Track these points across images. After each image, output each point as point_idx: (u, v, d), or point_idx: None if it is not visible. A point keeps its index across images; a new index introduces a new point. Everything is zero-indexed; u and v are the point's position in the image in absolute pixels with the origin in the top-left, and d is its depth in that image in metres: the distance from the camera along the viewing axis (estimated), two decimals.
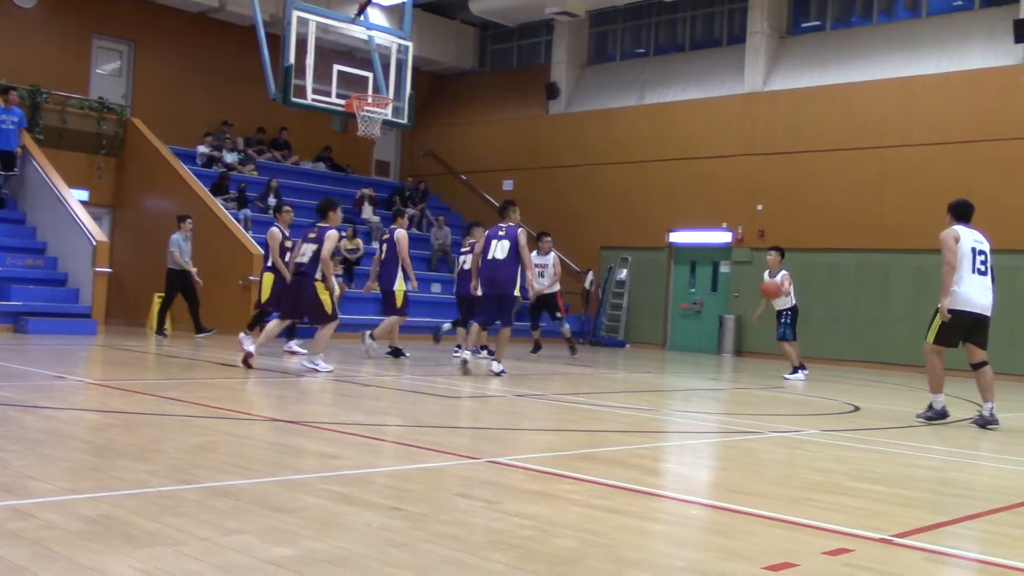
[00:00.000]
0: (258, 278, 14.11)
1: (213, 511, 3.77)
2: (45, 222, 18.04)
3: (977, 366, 8.49)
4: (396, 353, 13.36)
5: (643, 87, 23.35)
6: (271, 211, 20.82)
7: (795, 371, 13.90)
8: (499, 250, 11.27)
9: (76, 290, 16.84)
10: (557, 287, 15.86)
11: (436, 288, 22.01)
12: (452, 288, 15.60)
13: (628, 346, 22.02)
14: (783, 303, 13.95)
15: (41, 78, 19.84)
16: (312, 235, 10.68)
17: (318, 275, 10.45)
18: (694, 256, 22.15)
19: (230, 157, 21.98)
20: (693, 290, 22.15)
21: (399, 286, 12.96)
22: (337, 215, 11.01)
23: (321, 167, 24.47)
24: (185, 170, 19.68)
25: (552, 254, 16.08)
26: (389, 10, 22.18)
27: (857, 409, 9.87)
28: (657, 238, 22.34)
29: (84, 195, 19.47)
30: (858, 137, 19.52)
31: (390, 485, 4.56)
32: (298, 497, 4.12)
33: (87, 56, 21.78)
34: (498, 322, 11.55)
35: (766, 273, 14.24)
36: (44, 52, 20.82)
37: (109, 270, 17.00)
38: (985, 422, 8.33)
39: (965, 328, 8.39)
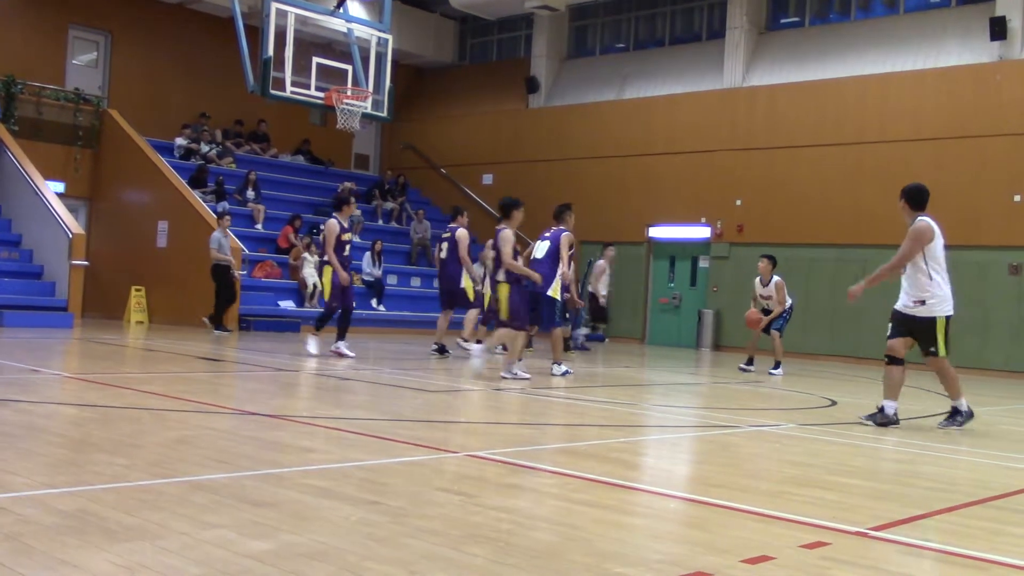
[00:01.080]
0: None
1: (191, 505, 3.76)
2: (21, 214, 17.90)
3: (900, 361, 7.84)
4: (442, 350, 13.12)
5: (623, 82, 23.38)
6: (256, 204, 20.77)
7: (777, 365, 13.95)
8: (539, 250, 11.42)
9: (52, 283, 16.71)
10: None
11: (416, 282, 21.99)
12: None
13: (607, 340, 22.08)
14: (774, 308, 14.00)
15: (16, 68, 19.65)
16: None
17: (500, 276, 10.20)
18: (673, 251, 22.21)
19: (208, 149, 21.86)
20: (672, 285, 22.23)
21: (466, 282, 12.95)
22: (520, 214, 10.58)
23: (300, 160, 24.37)
24: (163, 162, 19.57)
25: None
26: (369, 3, 22.07)
27: (834, 403, 9.94)
28: (636, 233, 22.40)
29: (60, 187, 19.33)
30: (836, 133, 19.63)
31: (369, 479, 4.56)
32: (276, 491, 4.11)
33: (63, 46, 21.58)
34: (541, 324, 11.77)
35: (757, 280, 14.05)
36: (19, 42, 20.62)
37: (86, 263, 16.89)
38: (888, 421, 7.79)
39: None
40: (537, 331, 12.44)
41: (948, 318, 7.68)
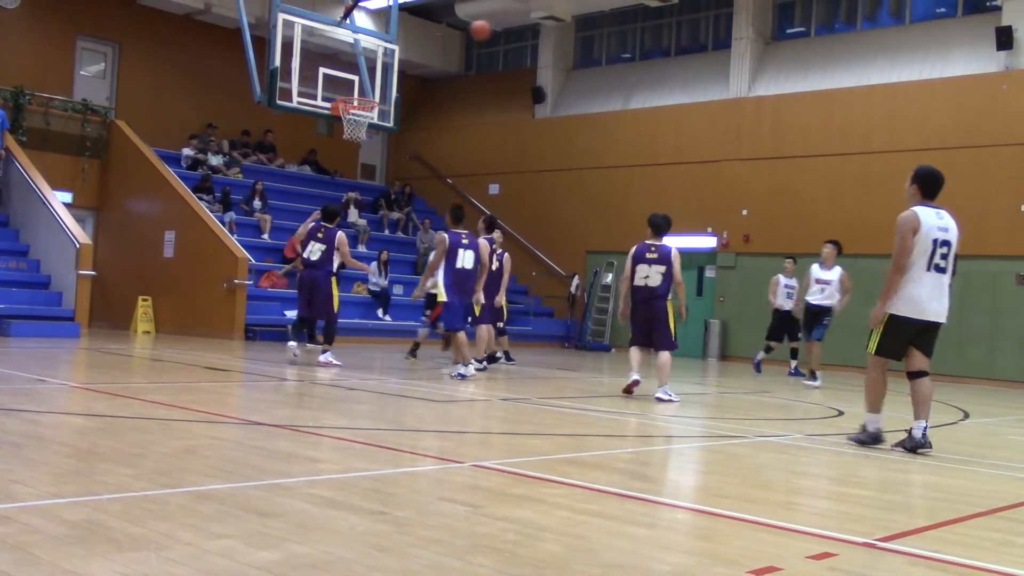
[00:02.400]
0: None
1: (197, 515, 3.76)
2: (28, 224, 17.95)
3: (915, 375, 6.87)
4: (492, 359, 13.32)
5: (629, 92, 23.41)
6: (255, 214, 20.83)
7: (814, 376, 13.58)
8: (468, 260, 11.45)
9: (59, 293, 16.74)
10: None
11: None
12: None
13: (614, 350, 22.05)
14: (830, 298, 13.41)
15: (25, 79, 19.74)
16: (653, 255, 10.49)
17: (670, 296, 10.29)
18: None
19: (215, 160, 21.92)
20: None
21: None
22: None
23: (307, 170, 24.43)
24: (170, 172, 19.62)
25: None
26: (375, 13, 22.17)
27: (841, 414, 9.91)
28: None
29: (68, 197, 19.39)
30: (842, 142, 19.62)
31: (374, 489, 4.55)
32: (283, 501, 4.11)
33: (71, 57, 21.68)
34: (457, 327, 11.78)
35: (816, 266, 13.62)
36: (28, 53, 20.72)
37: (93, 273, 16.92)
38: (915, 445, 6.76)
39: (911, 336, 6.85)
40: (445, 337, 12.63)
41: (897, 319, 6.75)
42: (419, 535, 3.65)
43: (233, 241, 18.26)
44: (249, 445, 5.76)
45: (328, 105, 15.62)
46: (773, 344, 15.67)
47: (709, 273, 21.64)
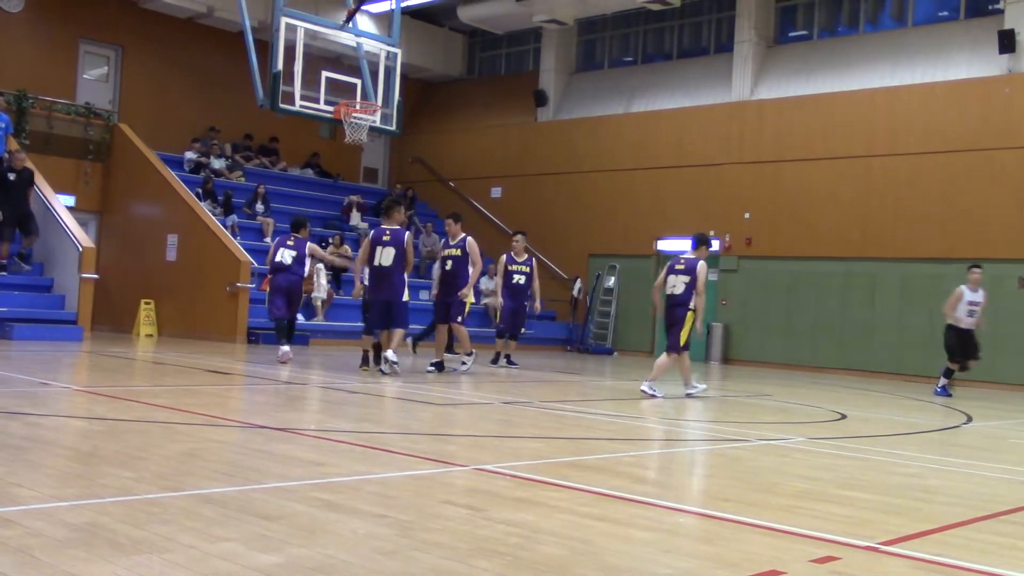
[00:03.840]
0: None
1: (199, 518, 3.75)
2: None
3: None
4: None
5: (631, 95, 23.41)
6: (257, 217, 20.84)
7: None
8: (387, 258, 11.31)
9: (62, 296, 16.75)
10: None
11: (424, 295, 21.98)
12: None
13: (616, 354, 22.05)
14: None
15: (28, 83, 19.75)
16: (680, 267, 10.81)
17: (692, 305, 10.73)
18: None
19: (217, 163, 21.94)
20: None
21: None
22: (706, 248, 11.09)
23: (309, 174, 24.45)
24: (172, 176, 19.63)
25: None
26: (378, 17, 22.19)
27: (844, 417, 9.90)
28: (645, 246, 22.38)
29: (70, 200, 19.39)
30: (844, 146, 19.62)
31: (377, 492, 4.55)
32: (285, 504, 4.11)
33: (74, 61, 21.71)
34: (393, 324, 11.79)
35: None
36: (31, 56, 20.75)
37: (95, 276, 16.92)
38: None
39: None
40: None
41: None
42: (421, 538, 3.65)
43: (236, 244, 18.27)
44: (251, 448, 5.76)
45: (331, 109, 15.61)
46: (953, 366, 14.06)
47: (711, 276, 21.59)
